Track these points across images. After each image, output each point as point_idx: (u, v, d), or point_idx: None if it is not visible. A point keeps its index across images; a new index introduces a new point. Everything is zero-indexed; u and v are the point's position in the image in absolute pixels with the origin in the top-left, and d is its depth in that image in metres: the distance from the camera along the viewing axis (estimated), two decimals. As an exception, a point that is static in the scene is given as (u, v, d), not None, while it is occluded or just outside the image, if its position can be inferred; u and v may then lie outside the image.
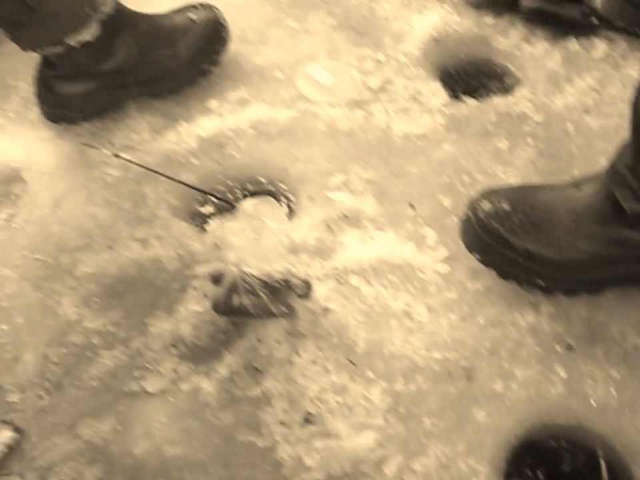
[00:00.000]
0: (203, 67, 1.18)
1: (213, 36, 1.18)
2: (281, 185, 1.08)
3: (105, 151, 1.09)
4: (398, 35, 1.27)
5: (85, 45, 1.05)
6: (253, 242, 0.89)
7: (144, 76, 1.14)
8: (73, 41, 1.04)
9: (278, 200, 1.06)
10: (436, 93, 1.17)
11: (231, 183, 1.08)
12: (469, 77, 1.24)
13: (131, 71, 1.13)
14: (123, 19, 1.09)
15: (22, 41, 1.04)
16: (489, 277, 0.94)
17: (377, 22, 1.30)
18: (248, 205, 0.99)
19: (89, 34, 1.04)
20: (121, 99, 1.15)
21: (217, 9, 1.20)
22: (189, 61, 1.16)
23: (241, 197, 1.07)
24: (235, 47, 1.23)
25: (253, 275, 0.85)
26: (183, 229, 1.00)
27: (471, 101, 1.16)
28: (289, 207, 1.05)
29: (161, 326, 0.91)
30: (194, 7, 1.20)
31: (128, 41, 1.11)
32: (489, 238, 0.90)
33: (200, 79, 1.19)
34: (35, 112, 1.17)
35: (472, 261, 0.94)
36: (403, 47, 1.25)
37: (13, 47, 1.12)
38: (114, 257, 0.98)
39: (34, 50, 1.07)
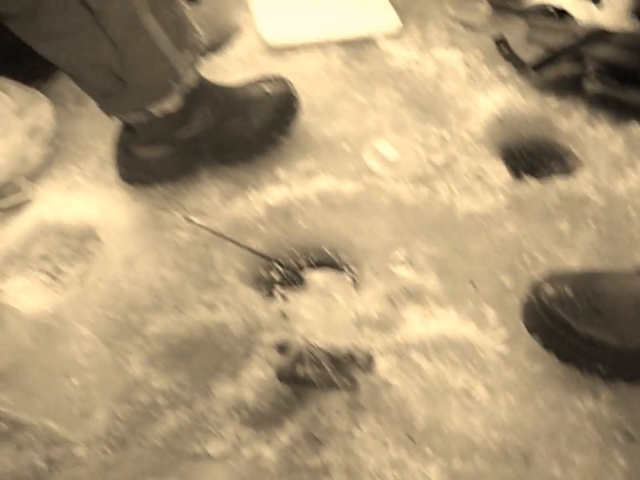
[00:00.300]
0: (274, 137, 1.23)
1: (284, 108, 1.23)
2: (345, 256, 1.11)
3: (176, 214, 1.13)
4: (463, 113, 1.31)
5: (166, 114, 1.11)
6: (321, 315, 0.91)
7: (217, 143, 1.19)
8: (156, 110, 1.09)
9: (342, 271, 1.08)
10: (499, 172, 1.20)
11: (295, 252, 1.12)
12: (531, 157, 1.27)
13: (206, 138, 1.18)
14: (203, 90, 1.14)
15: (108, 107, 1.10)
16: (548, 360, 0.95)
17: (442, 99, 1.34)
18: (315, 276, 1.01)
19: (171, 104, 1.10)
20: (194, 164, 1.20)
21: (289, 82, 1.25)
22: (260, 131, 1.21)
23: (305, 265, 1.10)
24: (304, 117, 1.28)
25: (318, 347, 0.88)
26: (250, 295, 1.04)
27: (533, 182, 1.19)
28: (352, 279, 1.07)
29: (225, 390, 0.94)
30: (268, 79, 1.25)
31: (205, 111, 1.16)
32: (551, 322, 0.91)
33: (270, 148, 1.23)
34: (111, 172, 1.23)
35: (532, 342, 0.95)
36: (467, 125, 1.28)
37: (93, 109, 1.18)
38: (181, 319, 1.01)
39: (117, 116, 1.12)
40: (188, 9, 1.09)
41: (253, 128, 1.21)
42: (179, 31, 1.06)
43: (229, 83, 1.23)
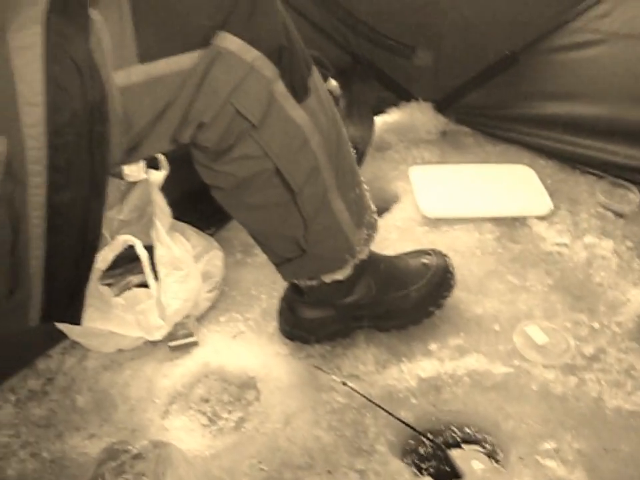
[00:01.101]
0: (429, 309, 1.29)
1: (441, 282, 1.30)
2: (492, 438, 1.13)
3: (334, 377, 1.20)
4: (613, 305, 1.34)
5: (336, 282, 1.20)
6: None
7: (376, 312, 1.27)
8: (328, 278, 1.18)
9: (488, 454, 1.11)
10: (650, 370, 1.21)
11: (442, 427, 1.15)
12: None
13: (366, 306, 1.26)
14: (370, 262, 1.23)
15: (285, 271, 1.20)
16: None
17: (593, 287, 1.38)
18: (464, 457, 1.05)
19: (342, 275, 1.19)
20: (351, 328, 1.28)
21: (447, 257, 1.33)
22: (417, 303, 1.28)
23: (450, 441, 1.14)
24: (457, 292, 1.34)
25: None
26: (400, 468, 1.07)
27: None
28: (497, 461, 1.10)
29: None
30: (427, 253, 1.33)
31: (369, 281, 1.24)
32: None
33: (424, 320, 1.29)
34: (272, 325, 1.32)
35: None
36: (617, 318, 1.31)
37: (258, 260, 1.29)
38: (332, 483, 1.06)
39: (291, 280, 1.22)
40: (368, 191, 1.20)
41: (410, 300, 1.28)
42: (360, 210, 1.16)
43: (390, 254, 1.32)
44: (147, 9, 0.84)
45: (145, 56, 0.84)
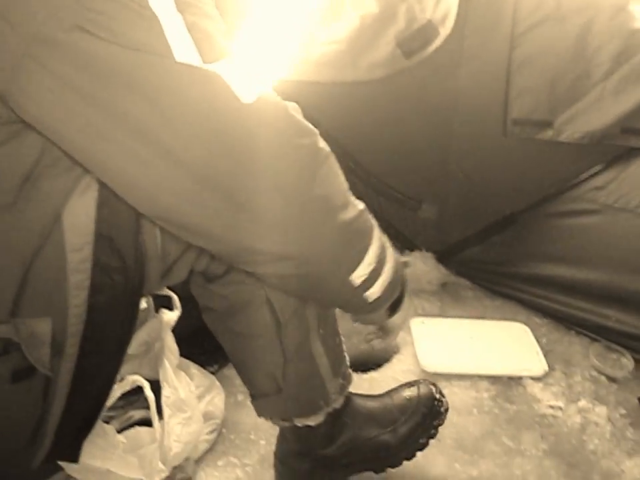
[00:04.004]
0: (420, 442, 1.29)
1: (429, 412, 1.29)
2: None
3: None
4: (607, 475, 1.36)
5: (308, 428, 1.20)
6: None
7: (365, 454, 1.27)
8: (300, 422, 1.19)
9: None
10: None
11: None
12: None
13: (352, 451, 1.26)
14: (348, 406, 1.24)
15: (260, 406, 1.21)
16: None
17: (586, 455, 1.40)
18: None
19: (314, 421, 1.19)
20: (346, 475, 1.30)
21: (433, 384, 1.33)
22: (406, 438, 1.28)
23: None
24: (453, 451, 1.36)
25: None
26: None
27: None
28: None
29: None
30: (411, 384, 1.34)
31: (348, 431, 1.26)
32: None
33: (417, 453, 1.30)
34: (270, 473, 1.32)
35: None
36: (611, 488, 1.33)
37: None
38: None
39: (265, 418, 1.22)
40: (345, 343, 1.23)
41: (398, 436, 1.28)
42: (338, 359, 1.20)
43: (372, 394, 1.33)
44: None
45: None
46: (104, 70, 0.73)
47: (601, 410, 1.51)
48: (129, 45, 0.73)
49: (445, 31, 1.67)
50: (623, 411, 1.52)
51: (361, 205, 0.95)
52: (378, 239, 0.97)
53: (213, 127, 0.79)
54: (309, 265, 0.91)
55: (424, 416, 1.30)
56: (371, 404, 1.32)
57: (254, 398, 1.22)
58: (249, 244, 0.88)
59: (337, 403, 1.21)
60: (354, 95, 1.77)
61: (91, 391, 0.90)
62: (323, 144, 0.89)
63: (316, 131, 0.89)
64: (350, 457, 1.28)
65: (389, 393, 1.35)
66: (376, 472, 1.30)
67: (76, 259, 0.82)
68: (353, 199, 0.94)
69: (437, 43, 1.68)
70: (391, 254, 1.01)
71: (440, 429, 1.29)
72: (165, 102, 0.76)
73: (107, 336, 0.86)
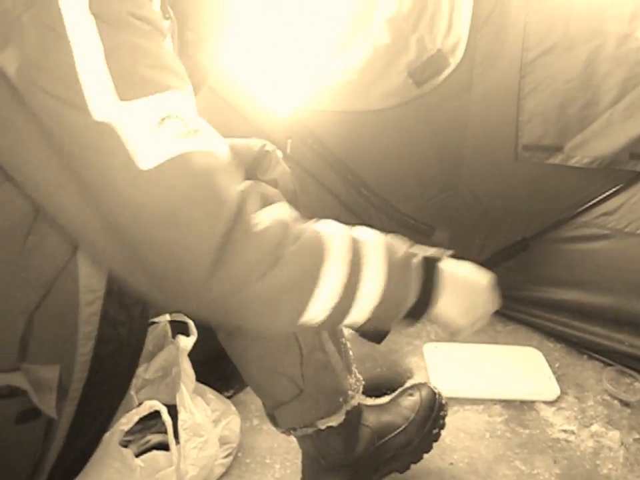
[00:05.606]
0: (433, 432, 1.34)
1: (432, 405, 1.37)
2: None
3: None
4: (621, 504, 1.36)
5: (331, 430, 1.22)
6: None
7: (385, 456, 1.31)
8: (322, 424, 1.21)
9: None
10: None
11: None
12: None
13: (373, 454, 1.29)
14: (361, 412, 1.29)
15: (281, 417, 1.23)
16: None
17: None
18: None
19: (336, 420, 1.22)
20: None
21: (428, 383, 1.41)
22: (418, 431, 1.33)
23: None
24: (466, 475, 1.37)
25: None
26: None
27: None
28: None
29: None
30: (410, 388, 1.41)
31: (367, 432, 1.29)
32: None
33: (434, 443, 1.35)
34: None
35: None
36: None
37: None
38: None
39: (289, 433, 1.25)
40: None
41: (411, 432, 1.33)
42: (348, 359, 1.25)
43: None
44: None
45: None
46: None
47: (614, 434, 1.51)
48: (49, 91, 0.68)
49: (455, 60, 1.71)
50: (637, 436, 1.52)
51: (299, 244, 0.80)
52: (341, 263, 0.83)
53: (103, 192, 0.72)
54: (246, 320, 0.81)
55: (430, 409, 1.37)
56: (382, 404, 1.38)
57: (275, 410, 1.24)
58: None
59: (355, 401, 1.25)
60: (366, 123, 1.81)
61: (89, 432, 0.94)
62: (248, 214, 0.75)
63: (244, 197, 0.76)
64: (374, 459, 1.31)
65: (394, 398, 1.41)
66: (400, 471, 1.33)
67: (87, 312, 0.86)
68: (287, 251, 0.77)
69: (448, 71, 1.71)
70: (377, 272, 0.87)
71: (452, 453, 1.31)
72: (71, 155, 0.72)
73: (108, 382, 0.90)
